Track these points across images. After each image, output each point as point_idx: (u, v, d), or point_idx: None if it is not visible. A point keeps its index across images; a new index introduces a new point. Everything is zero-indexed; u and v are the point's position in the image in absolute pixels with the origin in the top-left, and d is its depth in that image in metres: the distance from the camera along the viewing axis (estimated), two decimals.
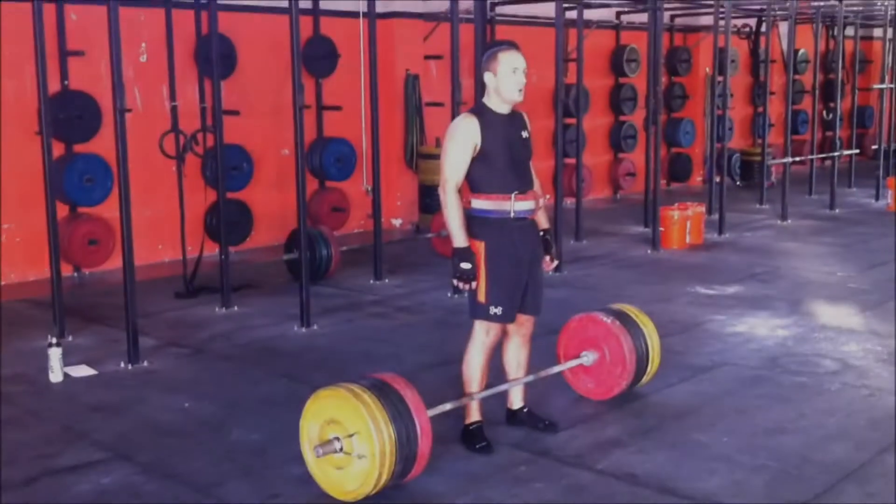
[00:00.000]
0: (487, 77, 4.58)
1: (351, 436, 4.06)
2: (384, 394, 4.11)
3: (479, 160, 4.55)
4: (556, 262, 5.02)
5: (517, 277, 4.65)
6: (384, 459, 4.00)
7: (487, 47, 4.74)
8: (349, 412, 4.07)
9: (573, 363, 5.35)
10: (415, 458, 4.14)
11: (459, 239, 4.51)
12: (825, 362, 6.14)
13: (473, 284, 4.55)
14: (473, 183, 4.62)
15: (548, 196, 5.01)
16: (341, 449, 4.09)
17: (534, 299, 4.77)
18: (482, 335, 4.66)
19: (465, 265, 4.49)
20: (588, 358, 5.31)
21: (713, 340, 6.69)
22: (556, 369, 5.29)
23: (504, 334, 4.87)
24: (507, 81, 4.54)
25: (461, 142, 4.52)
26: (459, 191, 4.56)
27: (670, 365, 5.93)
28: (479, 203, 4.61)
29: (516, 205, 4.57)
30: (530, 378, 5.01)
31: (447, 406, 4.55)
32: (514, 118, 4.70)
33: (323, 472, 4.23)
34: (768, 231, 11.35)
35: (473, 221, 4.61)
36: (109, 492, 4.37)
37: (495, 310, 4.61)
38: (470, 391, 4.74)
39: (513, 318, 4.70)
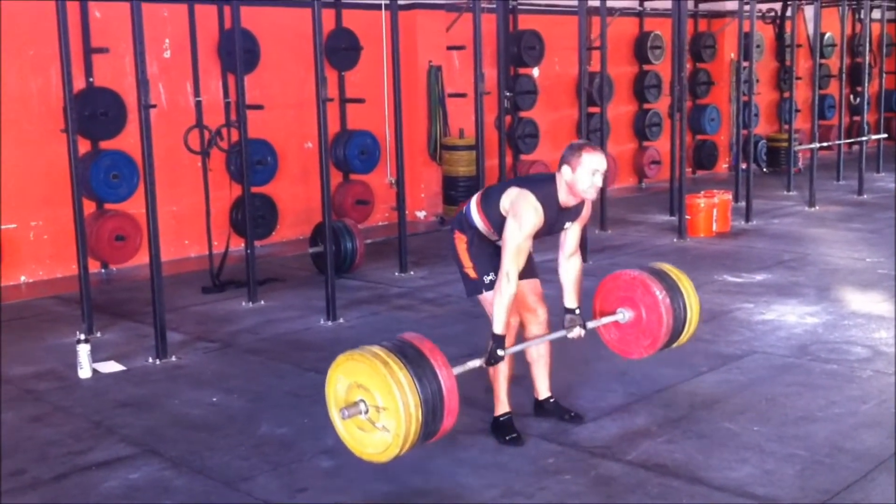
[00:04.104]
0: (565, 170, 4.52)
1: (378, 408, 4.02)
2: (419, 370, 3.99)
3: None
4: (583, 332, 4.87)
5: (498, 250, 4.64)
6: (406, 440, 3.96)
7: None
8: (381, 386, 3.98)
9: (608, 319, 5.05)
10: (435, 434, 4.08)
11: (502, 326, 4.46)
12: (855, 349, 6.08)
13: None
14: (493, 226, 4.66)
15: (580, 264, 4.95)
16: (366, 412, 4.04)
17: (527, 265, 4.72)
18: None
19: (501, 352, 4.48)
20: (623, 316, 5.02)
21: (742, 329, 6.64)
22: (591, 325, 4.97)
23: (521, 326, 4.87)
24: (584, 181, 4.49)
25: (528, 232, 4.48)
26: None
27: (699, 353, 5.90)
28: (484, 233, 4.73)
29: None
30: (561, 334, 4.81)
31: (477, 362, 4.42)
32: (571, 209, 4.66)
33: (346, 426, 4.15)
34: (796, 217, 11.25)
35: (470, 230, 4.76)
36: (139, 487, 4.39)
37: (488, 278, 4.68)
38: (496, 376, 4.75)
39: None
